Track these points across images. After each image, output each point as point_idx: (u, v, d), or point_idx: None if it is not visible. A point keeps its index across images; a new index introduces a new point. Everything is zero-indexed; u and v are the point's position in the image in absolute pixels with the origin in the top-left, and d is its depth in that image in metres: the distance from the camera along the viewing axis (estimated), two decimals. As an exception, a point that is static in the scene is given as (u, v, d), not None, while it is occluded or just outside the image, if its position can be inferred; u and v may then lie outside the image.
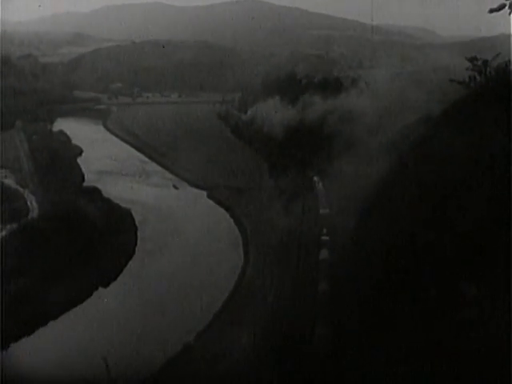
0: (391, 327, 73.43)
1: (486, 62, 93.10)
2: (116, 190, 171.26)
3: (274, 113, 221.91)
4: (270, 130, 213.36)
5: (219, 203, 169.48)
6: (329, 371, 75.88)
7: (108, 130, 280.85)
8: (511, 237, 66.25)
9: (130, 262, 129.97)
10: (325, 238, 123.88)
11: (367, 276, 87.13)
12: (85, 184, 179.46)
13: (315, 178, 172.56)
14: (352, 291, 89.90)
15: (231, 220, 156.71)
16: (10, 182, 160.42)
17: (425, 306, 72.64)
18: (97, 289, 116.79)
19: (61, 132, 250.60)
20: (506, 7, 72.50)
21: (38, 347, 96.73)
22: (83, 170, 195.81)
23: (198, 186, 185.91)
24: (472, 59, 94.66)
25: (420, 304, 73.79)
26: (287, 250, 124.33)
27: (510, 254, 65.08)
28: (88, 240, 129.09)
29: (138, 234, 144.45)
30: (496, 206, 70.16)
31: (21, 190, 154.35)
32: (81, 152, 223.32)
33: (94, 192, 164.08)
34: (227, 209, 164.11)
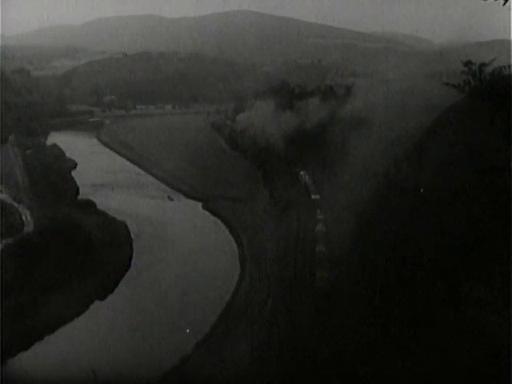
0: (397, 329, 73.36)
1: (481, 66, 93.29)
2: (111, 203, 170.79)
3: (267, 122, 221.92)
4: (263, 140, 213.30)
5: (214, 214, 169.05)
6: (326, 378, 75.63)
7: (102, 142, 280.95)
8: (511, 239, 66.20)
9: (126, 275, 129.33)
10: (320, 216, 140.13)
11: (368, 284, 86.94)
12: (79, 197, 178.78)
13: (301, 173, 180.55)
14: (353, 298, 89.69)
15: (227, 230, 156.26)
16: (4, 196, 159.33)
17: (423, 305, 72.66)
18: (93, 302, 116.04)
19: (55, 146, 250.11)
20: None
21: (35, 362, 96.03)
22: (78, 183, 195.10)
23: (193, 197, 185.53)
24: (467, 63, 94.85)
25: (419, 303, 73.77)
26: (284, 260, 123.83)
27: (511, 255, 64.98)
28: (84, 253, 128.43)
29: (134, 246, 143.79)
30: (496, 209, 69.99)
31: (15, 204, 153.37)
32: (75, 165, 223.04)
33: (89, 205, 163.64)
34: (223, 219, 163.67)
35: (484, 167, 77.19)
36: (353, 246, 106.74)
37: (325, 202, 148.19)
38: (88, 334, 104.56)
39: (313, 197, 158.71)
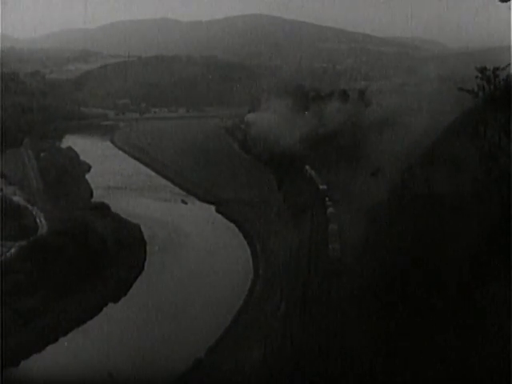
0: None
1: (495, 71, 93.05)
2: (125, 206, 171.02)
3: (281, 125, 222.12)
4: (277, 144, 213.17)
5: (228, 217, 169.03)
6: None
7: (116, 145, 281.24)
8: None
9: (140, 277, 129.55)
10: (329, 203, 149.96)
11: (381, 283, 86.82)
12: (93, 200, 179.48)
13: (306, 167, 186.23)
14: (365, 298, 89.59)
15: (240, 234, 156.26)
16: (18, 199, 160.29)
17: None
18: (107, 304, 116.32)
19: (69, 148, 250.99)
20: None
21: (48, 364, 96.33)
22: (92, 185, 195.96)
23: (206, 201, 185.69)
24: (482, 69, 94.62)
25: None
26: (297, 264, 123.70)
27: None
28: (97, 256, 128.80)
29: (148, 248, 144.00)
30: (507, 216, 69.89)
31: (29, 206, 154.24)
32: (89, 168, 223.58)
33: (103, 208, 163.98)
34: (236, 223, 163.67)
35: (497, 171, 77.24)
36: (365, 247, 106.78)
37: (339, 204, 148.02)
38: (102, 336, 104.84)
39: (320, 187, 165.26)
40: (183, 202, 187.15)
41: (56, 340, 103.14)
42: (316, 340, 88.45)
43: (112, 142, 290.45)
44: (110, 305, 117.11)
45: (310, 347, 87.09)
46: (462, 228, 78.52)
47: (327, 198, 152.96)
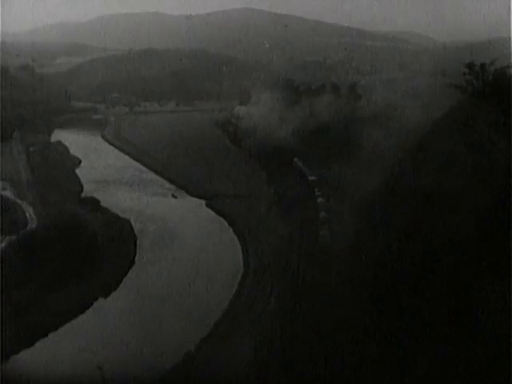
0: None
1: (483, 67, 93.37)
2: (115, 200, 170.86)
3: (271, 119, 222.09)
4: (267, 138, 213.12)
5: (218, 212, 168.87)
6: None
7: (106, 139, 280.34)
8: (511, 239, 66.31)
9: (130, 272, 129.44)
10: (318, 193, 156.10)
11: (371, 279, 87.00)
12: (83, 194, 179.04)
13: (295, 159, 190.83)
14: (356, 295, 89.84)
15: (230, 229, 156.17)
16: (8, 193, 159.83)
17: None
18: (97, 299, 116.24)
19: (59, 143, 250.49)
20: None
21: (38, 358, 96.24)
22: (82, 180, 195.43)
23: (196, 195, 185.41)
24: (470, 65, 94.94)
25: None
26: (287, 258, 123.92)
27: (511, 256, 65.13)
28: (87, 250, 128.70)
29: (138, 243, 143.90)
30: (497, 209, 70.05)
31: (19, 201, 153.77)
32: (79, 162, 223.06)
33: (93, 202, 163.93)
34: (226, 217, 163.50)
35: (487, 165, 77.44)
36: (356, 238, 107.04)
37: (331, 198, 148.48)
38: (92, 331, 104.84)
39: (310, 178, 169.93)
40: (173, 196, 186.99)
41: (46, 335, 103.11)
42: (306, 333, 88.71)
43: (102, 136, 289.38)
44: (100, 299, 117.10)
45: (299, 340, 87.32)
46: (453, 221, 78.69)
47: (316, 189, 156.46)
